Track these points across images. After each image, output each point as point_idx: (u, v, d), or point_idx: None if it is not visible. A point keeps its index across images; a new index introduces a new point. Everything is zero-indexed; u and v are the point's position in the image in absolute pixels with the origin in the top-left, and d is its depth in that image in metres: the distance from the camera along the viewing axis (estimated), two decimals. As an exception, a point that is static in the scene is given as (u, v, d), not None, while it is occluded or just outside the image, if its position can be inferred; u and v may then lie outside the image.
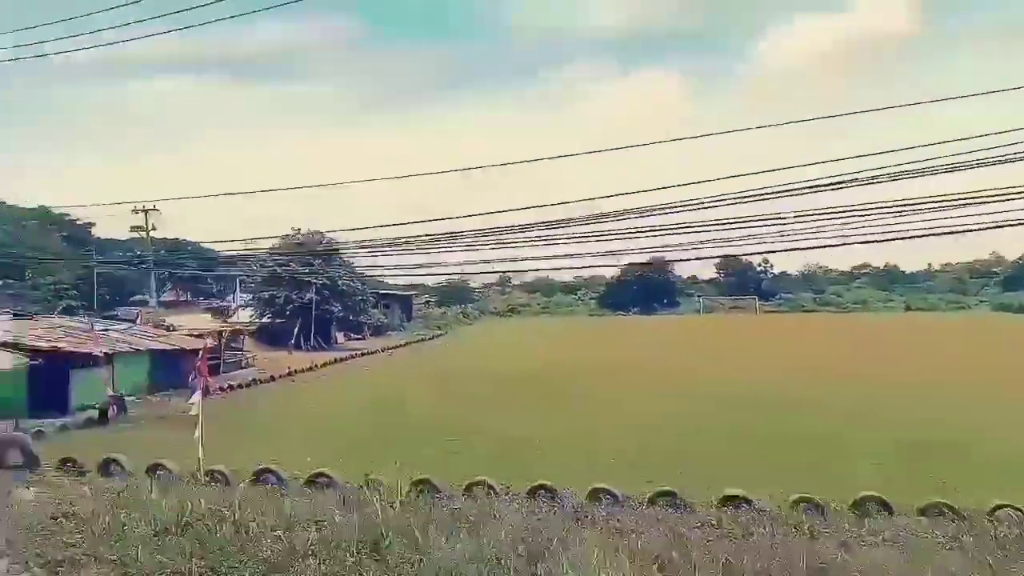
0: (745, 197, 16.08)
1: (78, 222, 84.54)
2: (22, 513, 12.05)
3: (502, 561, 9.05)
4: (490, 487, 15.14)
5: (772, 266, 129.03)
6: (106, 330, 31.92)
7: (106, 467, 16.85)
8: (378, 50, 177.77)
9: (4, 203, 70.34)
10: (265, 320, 58.27)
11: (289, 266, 55.04)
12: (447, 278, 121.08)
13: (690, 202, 17.03)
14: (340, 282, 58.60)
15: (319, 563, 8.92)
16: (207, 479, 15.99)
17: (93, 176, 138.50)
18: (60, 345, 26.16)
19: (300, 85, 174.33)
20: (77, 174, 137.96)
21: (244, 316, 59.84)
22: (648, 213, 18.45)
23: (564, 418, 26.70)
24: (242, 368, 42.44)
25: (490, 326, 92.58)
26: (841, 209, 16.10)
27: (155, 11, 14.88)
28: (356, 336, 67.86)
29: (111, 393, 25.88)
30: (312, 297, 54.97)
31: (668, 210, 17.56)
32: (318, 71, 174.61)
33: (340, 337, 64.88)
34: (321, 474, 15.88)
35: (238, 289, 50.19)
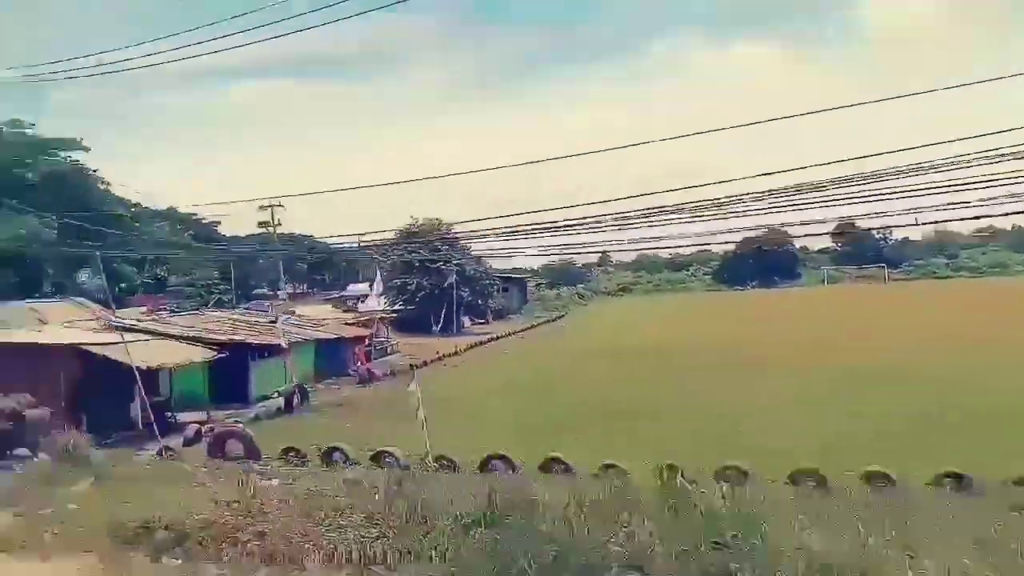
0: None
1: (203, 221, 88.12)
2: (292, 504, 11.75)
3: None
4: (743, 472, 14.05)
5: (891, 233, 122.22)
6: (273, 321, 32.43)
7: (329, 455, 16.66)
8: (468, 38, 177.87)
9: (139, 205, 73.50)
10: (396, 307, 58.82)
11: (419, 253, 55.27)
12: (553, 260, 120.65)
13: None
14: (468, 268, 58.61)
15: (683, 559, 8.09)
16: (436, 467, 15.54)
17: (208, 177, 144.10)
18: (240, 337, 26.55)
19: (394, 79, 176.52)
20: (194, 175, 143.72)
21: (372, 304, 60.46)
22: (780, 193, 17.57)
23: (743, 395, 25.43)
24: (387, 355, 42.70)
25: (607, 306, 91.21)
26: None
27: (258, 19, 14.59)
28: (480, 320, 67.81)
29: (295, 382, 26.10)
30: (452, 283, 55.17)
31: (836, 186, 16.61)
32: (411, 64, 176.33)
33: (466, 322, 64.97)
34: (555, 459, 15.19)
35: (378, 278, 50.63)
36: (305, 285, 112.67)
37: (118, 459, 18.13)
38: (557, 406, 25.40)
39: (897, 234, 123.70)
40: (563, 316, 75.08)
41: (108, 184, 58.59)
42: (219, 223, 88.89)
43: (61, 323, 30.53)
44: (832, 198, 17.40)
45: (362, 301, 65.38)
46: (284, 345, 25.77)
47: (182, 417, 23.87)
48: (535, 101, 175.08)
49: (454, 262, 56.59)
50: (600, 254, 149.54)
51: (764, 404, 24.14)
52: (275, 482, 14.16)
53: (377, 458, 16.08)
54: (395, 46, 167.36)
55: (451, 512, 9.94)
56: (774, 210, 18.38)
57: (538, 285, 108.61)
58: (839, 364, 30.87)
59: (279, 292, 70.02)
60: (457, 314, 60.65)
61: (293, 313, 46.62)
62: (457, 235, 49.49)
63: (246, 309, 53.57)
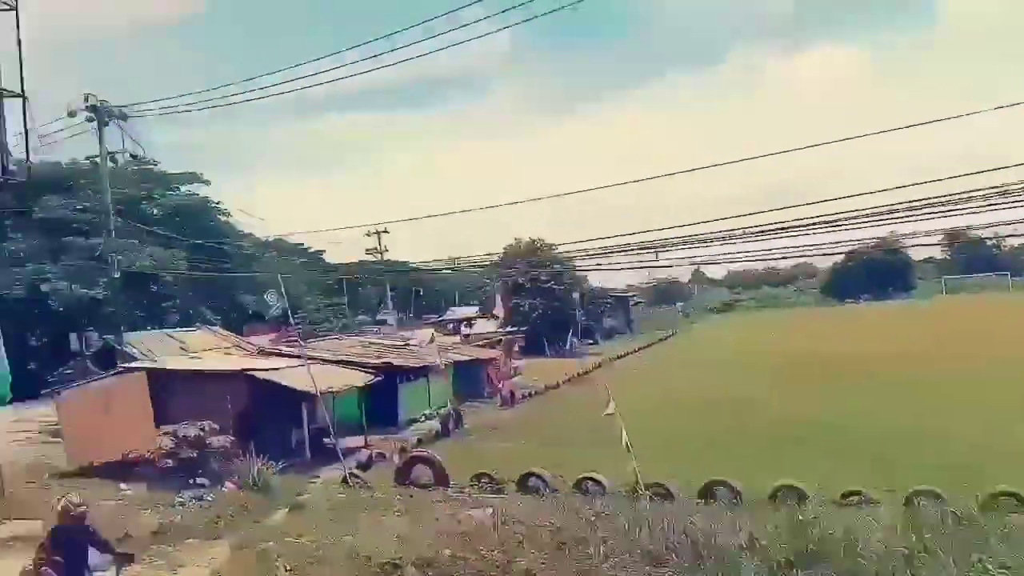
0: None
1: (310, 250, 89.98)
2: (541, 537, 10.69)
3: None
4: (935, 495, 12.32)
5: (1004, 239, 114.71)
6: (406, 344, 31.97)
7: (524, 482, 15.62)
8: (544, 58, 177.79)
9: (251, 235, 75.17)
10: (508, 329, 58.15)
11: (531, 274, 54.53)
12: (652, 278, 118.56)
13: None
14: (581, 288, 57.53)
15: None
16: (651, 494, 14.27)
17: (306, 203, 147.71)
18: (391, 360, 26.04)
19: (477, 101, 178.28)
20: (291, 202, 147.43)
21: (483, 327, 59.90)
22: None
23: (919, 412, 23.40)
24: (512, 377, 41.75)
25: (717, 323, 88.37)
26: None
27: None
28: (588, 341, 66.43)
29: (451, 406, 25.40)
30: (576, 302, 54.29)
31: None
32: (490, 86, 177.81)
33: (575, 342, 63.72)
34: (787, 486, 13.69)
35: (498, 300, 49.90)
36: (403, 310, 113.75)
37: (296, 487, 17.60)
38: (722, 425, 24.00)
39: (1012, 240, 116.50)
40: (673, 335, 72.79)
41: (228, 215, 60.22)
42: (324, 252, 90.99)
43: (202, 350, 30.80)
44: (949, 211, 16.69)
45: (468, 325, 64.96)
46: (442, 367, 25.14)
47: (340, 442, 23.41)
48: (612, 118, 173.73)
49: (567, 281, 55.57)
50: (693, 271, 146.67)
51: (940, 420, 22.21)
52: (489, 511, 13.18)
53: (580, 484, 14.91)
54: (465, 69, 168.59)
55: (737, 547, 8.65)
56: (887, 222, 18.05)
57: (636, 304, 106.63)
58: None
59: (387, 317, 70.64)
60: (569, 335, 59.52)
61: (403, 338, 46.47)
62: (569, 254, 48.68)
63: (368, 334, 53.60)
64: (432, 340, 25.35)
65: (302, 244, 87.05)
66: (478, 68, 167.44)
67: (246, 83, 36.10)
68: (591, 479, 14.92)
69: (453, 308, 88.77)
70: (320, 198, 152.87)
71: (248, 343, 34.54)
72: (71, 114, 32.18)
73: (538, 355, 55.53)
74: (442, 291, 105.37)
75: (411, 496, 15.27)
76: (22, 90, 15.77)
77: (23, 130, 16.28)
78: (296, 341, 37.56)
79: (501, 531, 10.59)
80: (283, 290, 18.89)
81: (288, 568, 10.72)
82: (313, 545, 11.56)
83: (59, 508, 7.15)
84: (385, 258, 69.54)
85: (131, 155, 33.68)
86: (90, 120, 32.47)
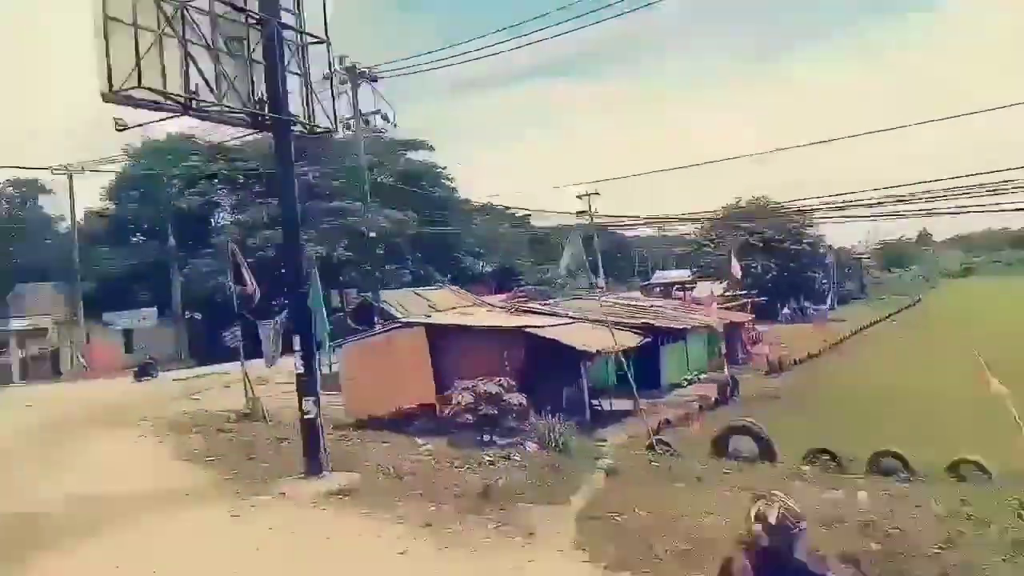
0: None
1: (516, 215, 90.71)
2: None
3: None
4: None
5: None
6: (652, 306, 30.29)
7: (875, 462, 13.41)
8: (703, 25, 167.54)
9: (468, 200, 76.49)
10: (736, 292, 54.83)
11: (763, 233, 50.79)
12: (879, 241, 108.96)
13: None
14: (820, 249, 53.01)
15: None
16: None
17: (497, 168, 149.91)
18: (654, 321, 24.47)
19: (638, 72, 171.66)
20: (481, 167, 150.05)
21: (706, 290, 56.87)
22: None
23: None
24: (758, 342, 39.05)
25: (964, 287, 79.28)
26: None
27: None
28: (820, 306, 61.51)
29: (728, 371, 23.53)
30: (825, 263, 50.29)
31: None
32: (644, 59, 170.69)
33: (810, 307, 59.15)
34: None
35: (733, 260, 46.78)
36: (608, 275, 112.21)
37: (589, 449, 16.44)
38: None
39: None
40: (919, 301, 65.61)
41: (453, 180, 61.49)
42: (530, 214, 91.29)
43: (449, 308, 30.83)
44: None
45: (682, 288, 61.85)
46: (719, 328, 23.28)
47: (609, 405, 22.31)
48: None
49: (806, 242, 51.26)
50: (919, 232, 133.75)
51: None
52: (863, 495, 11.19)
53: (954, 468, 12.49)
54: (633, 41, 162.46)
55: None
56: None
57: (866, 268, 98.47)
58: None
59: (598, 281, 69.22)
60: (805, 299, 55.18)
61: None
62: (811, 209, 44.51)
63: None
64: (712, 302, 23.39)
65: (508, 208, 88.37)
66: (645, 40, 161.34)
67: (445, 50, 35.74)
68: (970, 461, 12.44)
69: (660, 272, 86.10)
70: (513, 163, 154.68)
71: (485, 302, 34.44)
72: (325, 76, 32.78)
73: (770, 320, 51.90)
74: (647, 255, 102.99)
75: (740, 471, 13.58)
76: (326, 34, 15.25)
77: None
78: (528, 301, 37.22)
79: (946, 525, 8.55)
80: (580, 249, 17.48)
81: (667, 549, 9.35)
82: (678, 520, 10.16)
83: (772, 519, 3.75)
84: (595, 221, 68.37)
85: (383, 116, 34.24)
86: (343, 83, 32.99)
